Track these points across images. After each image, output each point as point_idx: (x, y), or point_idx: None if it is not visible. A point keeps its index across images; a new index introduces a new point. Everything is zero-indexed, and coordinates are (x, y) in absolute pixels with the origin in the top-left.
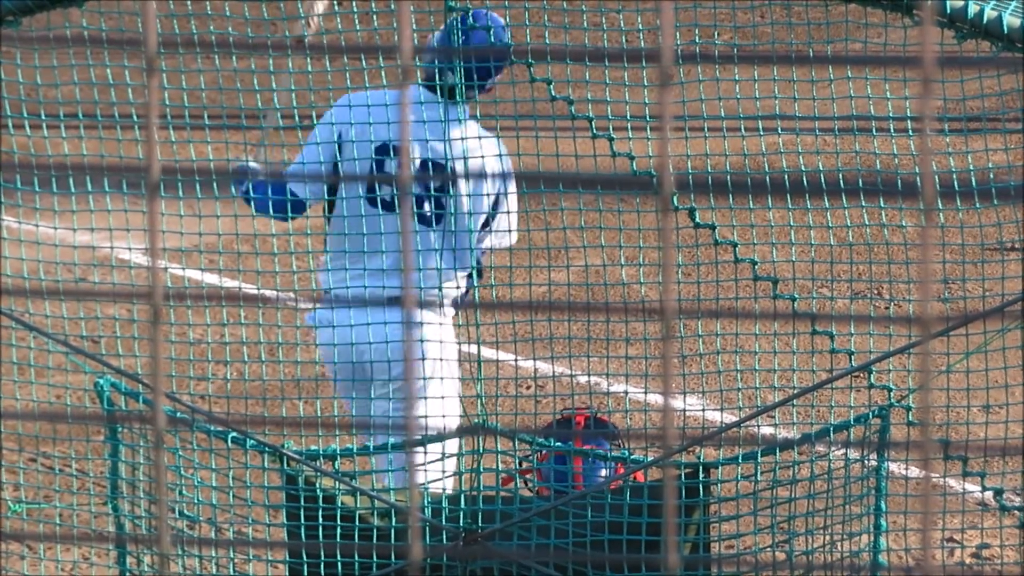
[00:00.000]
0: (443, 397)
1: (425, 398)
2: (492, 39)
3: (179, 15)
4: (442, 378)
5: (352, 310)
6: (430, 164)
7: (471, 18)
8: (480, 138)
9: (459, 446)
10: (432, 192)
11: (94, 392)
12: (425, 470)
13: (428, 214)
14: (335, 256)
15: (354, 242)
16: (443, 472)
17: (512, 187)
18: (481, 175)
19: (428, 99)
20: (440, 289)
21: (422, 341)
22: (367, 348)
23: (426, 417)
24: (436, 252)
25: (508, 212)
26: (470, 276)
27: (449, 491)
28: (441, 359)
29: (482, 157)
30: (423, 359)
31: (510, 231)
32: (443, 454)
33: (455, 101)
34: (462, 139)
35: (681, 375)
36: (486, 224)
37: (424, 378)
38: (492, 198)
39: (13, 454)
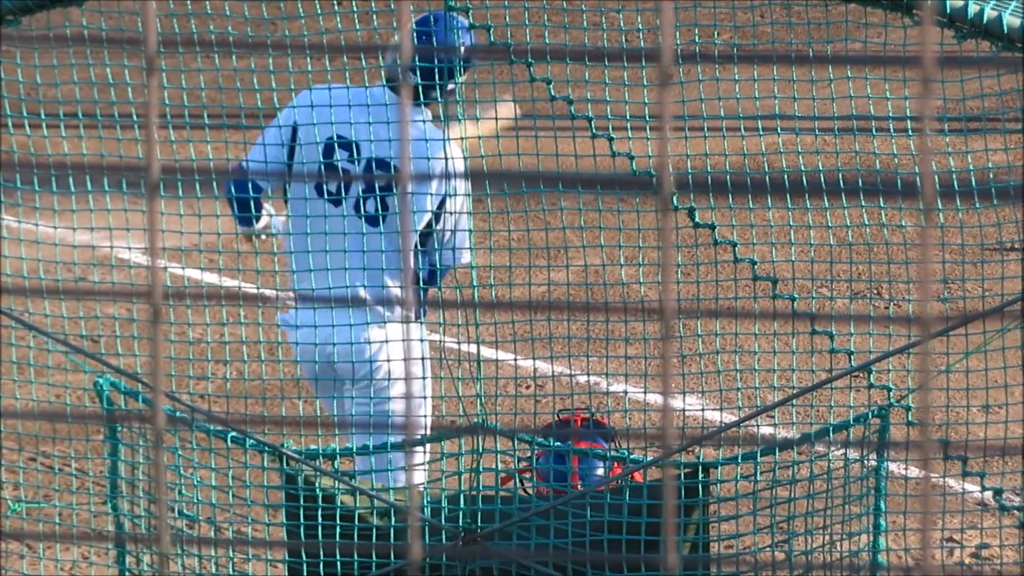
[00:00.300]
0: (394, 398)
1: (389, 398)
2: (446, 40)
3: (179, 14)
4: (396, 379)
5: (306, 310)
6: (374, 163)
7: (432, 19)
8: (427, 139)
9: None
10: (377, 192)
11: (94, 391)
12: (401, 470)
13: (372, 213)
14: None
15: (304, 237)
16: (421, 472)
17: (466, 204)
18: (425, 176)
19: (387, 99)
20: (383, 288)
21: (368, 342)
22: (331, 348)
23: (376, 417)
24: (379, 251)
25: (458, 221)
26: (422, 280)
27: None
28: (389, 359)
29: (427, 159)
30: (371, 361)
31: (455, 249)
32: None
33: (416, 103)
34: (411, 140)
35: (680, 375)
36: (431, 226)
37: (372, 378)
38: (437, 199)
39: (13, 453)
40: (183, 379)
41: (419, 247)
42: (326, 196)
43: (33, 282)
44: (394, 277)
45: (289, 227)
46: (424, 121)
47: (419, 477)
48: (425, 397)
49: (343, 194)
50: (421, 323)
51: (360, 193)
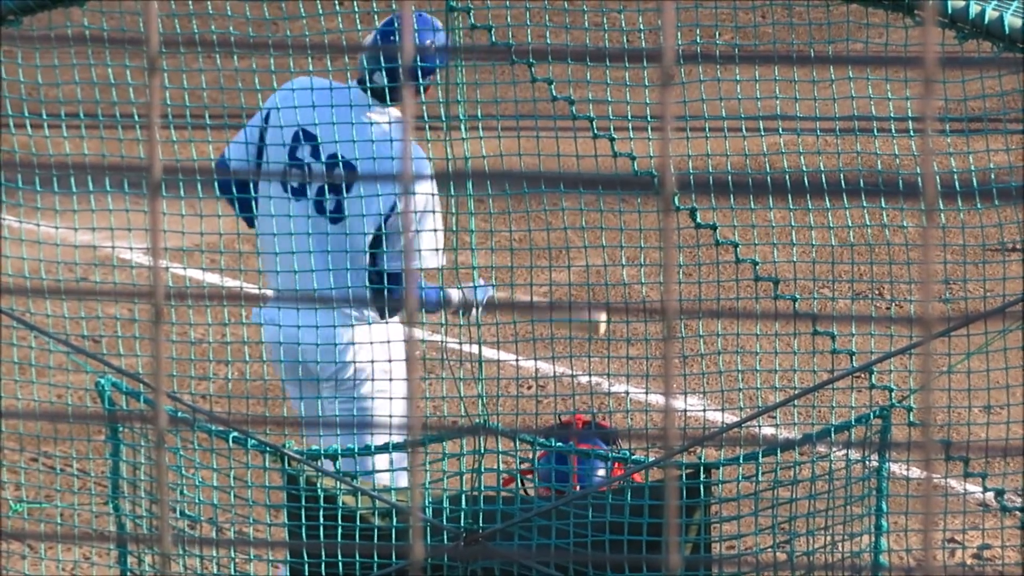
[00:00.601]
0: (365, 397)
1: (355, 397)
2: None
3: (180, 14)
4: (365, 379)
5: (275, 307)
6: (334, 160)
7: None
8: (383, 140)
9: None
10: (327, 191)
11: (95, 392)
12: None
13: (332, 210)
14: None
15: (270, 233)
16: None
17: (431, 206)
18: (378, 177)
19: (358, 98)
20: (343, 286)
21: (324, 343)
22: (298, 346)
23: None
24: (338, 249)
25: (418, 223)
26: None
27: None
28: (355, 362)
29: (376, 159)
30: (336, 361)
31: (419, 250)
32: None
33: (383, 103)
34: (372, 140)
35: (682, 375)
36: (382, 229)
37: (339, 378)
38: (388, 202)
39: (14, 454)
40: (185, 379)
41: (372, 249)
42: (289, 193)
43: (34, 282)
44: (352, 276)
45: (258, 225)
46: (389, 123)
47: (405, 478)
48: (394, 398)
49: (305, 192)
50: (388, 323)
51: (312, 195)
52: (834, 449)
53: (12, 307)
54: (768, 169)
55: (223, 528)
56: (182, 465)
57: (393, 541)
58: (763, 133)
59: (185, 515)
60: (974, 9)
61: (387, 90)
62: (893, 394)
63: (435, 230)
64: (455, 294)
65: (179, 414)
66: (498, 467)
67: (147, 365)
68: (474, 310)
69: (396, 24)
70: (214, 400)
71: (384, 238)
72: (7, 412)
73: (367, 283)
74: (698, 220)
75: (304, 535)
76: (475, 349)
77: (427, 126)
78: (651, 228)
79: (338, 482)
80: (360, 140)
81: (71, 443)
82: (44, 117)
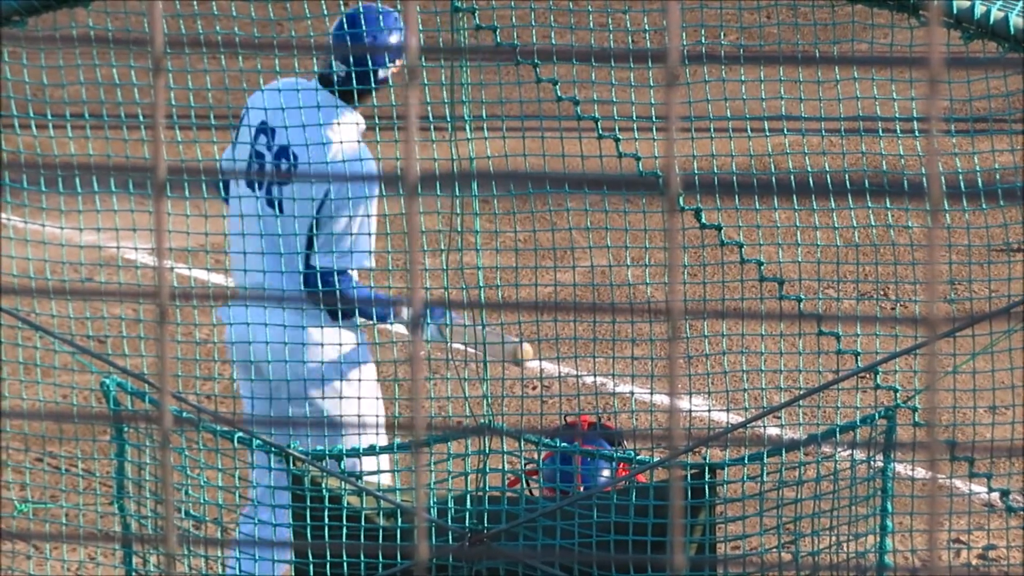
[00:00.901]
0: (325, 398)
1: (306, 398)
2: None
3: (185, 15)
4: (312, 381)
5: (236, 306)
6: (283, 151)
7: (362, 17)
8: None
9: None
10: (274, 184)
11: (100, 392)
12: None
13: (274, 201)
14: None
15: (233, 229)
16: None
17: (367, 207)
18: (312, 175)
19: (322, 97)
20: (282, 281)
21: (285, 343)
22: (260, 346)
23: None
24: (278, 243)
25: (351, 224)
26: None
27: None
28: (303, 362)
29: (319, 156)
30: (270, 361)
31: (351, 252)
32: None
33: (341, 102)
34: (324, 143)
35: (687, 376)
36: (318, 226)
37: (292, 378)
38: (317, 202)
39: (19, 454)
40: (190, 379)
41: (308, 247)
42: (247, 188)
43: (39, 282)
44: (291, 272)
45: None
46: (340, 122)
47: (386, 479)
48: (346, 398)
49: (259, 186)
50: (340, 326)
51: (262, 190)
52: (839, 449)
53: (17, 307)
54: (773, 169)
55: (228, 528)
56: (187, 465)
57: (398, 541)
58: (768, 134)
59: (190, 515)
60: (979, 9)
61: (337, 88)
62: (898, 394)
63: (369, 234)
64: (405, 309)
65: (184, 414)
66: (503, 468)
67: (152, 365)
68: (421, 331)
69: (345, 27)
70: (219, 400)
71: (319, 235)
72: (12, 412)
73: (303, 280)
74: (703, 220)
75: (309, 535)
76: (480, 349)
77: (432, 126)
78: (656, 228)
79: (343, 482)
80: (309, 136)
81: (76, 443)
82: (49, 117)
